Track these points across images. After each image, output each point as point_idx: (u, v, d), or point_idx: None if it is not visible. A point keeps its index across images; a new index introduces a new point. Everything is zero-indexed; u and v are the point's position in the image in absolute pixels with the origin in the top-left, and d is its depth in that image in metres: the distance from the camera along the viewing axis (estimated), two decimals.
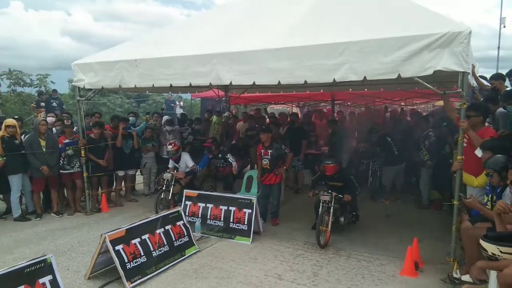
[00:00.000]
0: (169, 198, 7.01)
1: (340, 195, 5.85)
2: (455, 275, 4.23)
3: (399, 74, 4.48)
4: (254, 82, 5.50)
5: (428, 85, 4.56)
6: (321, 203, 5.85)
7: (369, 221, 6.69)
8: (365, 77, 4.68)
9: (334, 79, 4.86)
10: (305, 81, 5.10)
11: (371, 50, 4.59)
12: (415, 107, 15.19)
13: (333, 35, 5.01)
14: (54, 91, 13.18)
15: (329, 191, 5.87)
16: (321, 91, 10.94)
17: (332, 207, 5.77)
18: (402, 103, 14.55)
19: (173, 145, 7.33)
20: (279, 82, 5.29)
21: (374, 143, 8.32)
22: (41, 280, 3.71)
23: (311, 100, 14.51)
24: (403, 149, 8.01)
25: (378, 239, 5.86)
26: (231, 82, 5.68)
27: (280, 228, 6.50)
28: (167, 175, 7.18)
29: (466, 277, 3.96)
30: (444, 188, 7.03)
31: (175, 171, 7.23)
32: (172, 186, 7.05)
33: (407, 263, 4.68)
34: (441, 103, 13.73)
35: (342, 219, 6.03)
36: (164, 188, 7.15)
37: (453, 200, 4.61)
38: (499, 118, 5.26)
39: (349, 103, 14.50)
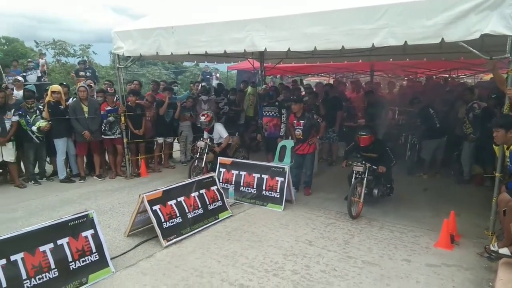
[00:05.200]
0: (203, 166, 7.14)
1: (374, 167, 5.70)
2: (492, 248, 4.10)
3: (442, 39, 4.23)
4: (289, 48, 5.41)
5: (474, 50, 4.27)
6: (354, 174, 5.76)
7: (404, 194, 6.55)
8: (406, 41, 4.49)
9: (372, 44, 4.69)
10: (342, 47, 4.95)
11: (412, 13, 4.38)
12: (461, 80, 14.37)
13: None
14: (86, 61, 13.56)
15: (363, 162, 5.72)
16: (360, 61, 10.57)
17: (365, 178, 5.64)
18: (447, 75, 13.83)
19: (205, 116, 7.34)
20: (315, 48, 5.17)
21: (414, 115, 8.00)
22: (83, 233, 3.95)
23: (348, 71, 14.10)
24: (446, 122, 7.66)
25: (414, 212, 5.74)
26: (265, 48, 5.62)
27: (312, 198, 6.51)
28: (200, 144, 7.30)
29: (504, 250, 3.83)
30: (487, 163, 6.68)
31: (208, 140, 7.31)
32: (205, 155, 7.16)
33: (443, 235, 4.57)
34: (487, 78, 12.99)
35: (375, 191, 5.89)
36: (198, 156, 7.29)
37: (495, 172, 4.40)
38: None
39: (389, 75, 13.94)
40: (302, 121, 6.59)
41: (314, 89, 10.51)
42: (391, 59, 10.17)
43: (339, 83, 11.65)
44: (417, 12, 4.34)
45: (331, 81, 13.69)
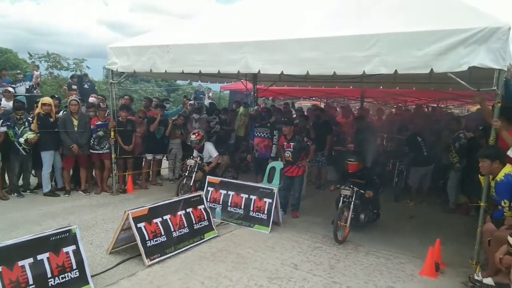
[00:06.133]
0: (191, 184, 7.10)
1: (361, 191, 5.71)
2: (476, 277, 4.10)
3: (432, 69, 4.36)
4: (282, 72, 5.50)
5: (462, 81, 4.40)
6: (341, 198, 5.77)
7: (391, 221, 6.57)
8: (396, 70, 4.59)
9: (364, 71, 4.79)
10: (334, 73, 5.05)
11: (404, 43, 4.51)
12: (449, 111, 14.70)
13: (365, 26, 4.94)
14: (85, 75, 13.64)
15: (351, 185, 5.74)
16: (351, 87, 10.77)
17: (352, 203, 5.64)
18: (435, 105, 14.14)
19: (196, 134, 7.33)
20: (307, 72, 5.26)
21: (403, 142, 8.12)
22: (65, 249, 3.85)
23: (339, 96, 14.32)
24: (433, 150, 7.78)
25: (400, 239, 5.73)
26: (259, 70, 5.70)
27: (299, 221, 6.48)
28: (190, 162, 7.26)
29: (488, 280, 3.84)
30: (473, 193, 6.76)
31: (198, 159, 7.28)
32: (194, 173, 7.13)
33: (428, 263, 4.57)
34: (474, 109, 13.31)
35: (362, 216, 5.88)
36: (187, 174, 7.25)
37: (480, 202, 4.46)
38: None
39: (379, 102, 14.20)
40: (292, 143, 6.63)
41: (305, 113, 10.64)
42: (381, 87, 10.38)
43: (330, 108, 11.83)
44: (408, 43, 4.47)
45: (322, 106, 13.89)
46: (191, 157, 7.46)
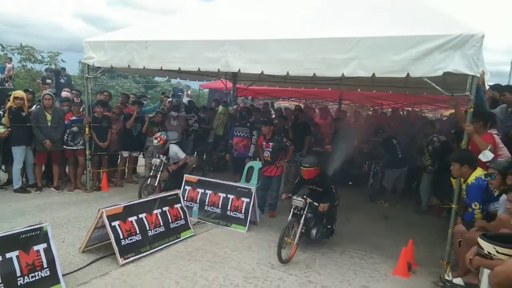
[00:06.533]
0: (155, 184, 6.86)
1: (315, 203, 4.99)
2: (446, 277, 4.23)
3: (408, 74, 4.46)
4: (262, 71, 5.49)
5: (437, 86, 4.52)
6: (292, 209, 5.07)
7: (366, 221, 6.69)
8: (374, 74, 4.67)
9: (343, 73, 4.86)
10: (314, 74, 5.09)
11: (382, 47, 4.59)
12: (423, 115, 15.12)
13: (345, 29, 5.01)
14: (63, 69, 13.31)
15: (305, 196, 5.06)
16: (329, 89, 10.90)
17: (304, 216, 4.95)
18: (410, 109, 14.49)
19: (159, 139, 6.96)
20: (287, 73, 5.29)
21: (378, 144, 8.28)
22: (35, 247, 3.72)
23: (318, 98, 14.49)
24: (408, 153, 7.97)
25: (374, 239, 5.83)
26: (239, 70, 5.68)
27: (276, 221, 6.48)
28: (155, 161, 7.00)
29: (458, 280, 3.96)
30: (445, 195, 6.97)
31: (164, 158, 7.00)
32: (159, 173, 6.90)
33: (400, 263, 4.67)
34: (447, 113, 13.75)
35: (314, 232, 5.14)
36: (152, 174, 7.01)
37: (452, 204, 4.60)
38: None
39: (356, 104, 14.45)
40: (271, 143, 6.65)
41: (283, 113, 10.70)
42: (359, 89, 10.56)
43: (309, 109, 11.93)
44: (385, 47, 4.57)
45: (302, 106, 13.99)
46: (157, 155, 7.17)
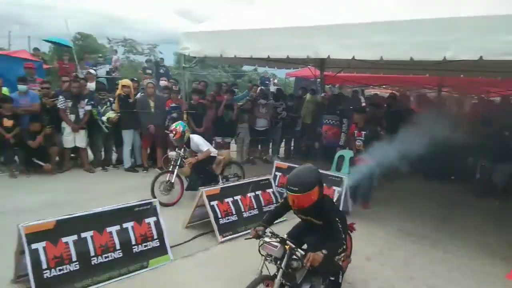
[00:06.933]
0: (172, 181, 5.97)
1: (301, 251, 2.95)
2: None
3: None
4: (354, 57, 5.23)
5: None
6: (263, 258, 2.97)
7: (472, 219, 6.13)
8: (481, 56, 4.14)
9: (444, 57, 4.41)
10: (411, 58, 4.71)
11: (490, 27, 4.05)
12: None
13: (444, 9, 4.53)
14: (161, 59, 14.32)
15: (282, 237, 2.97)
16: (427, 75, 10.10)
17: (282, 268, 2.87)
18: None
19: (174, 132, 6.00)
20: (381, 57, 4.97)
21: (486, 136, 7.47)
22: (147, 220, 4.12)
23: (413, 85, 13.51)
24: None
25: (483, 238, 5.31)
26: (329, 56, 5.51)
27: (371, 212, 6.25)
28: (172, 154, 6.16)
29: None
30: None
31: (182, 151, 6.12)
32: (177, 168, 6.01)
33: None
34: None
35: None
36: (171, 169, 6.06)
37: None
38: None
39: (457, 93, 13.16)
40: (363, 132, 6.41)
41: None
42: (462, 75, 9.60)
43: (404, 97, 11.21)
44: (495, 26, 4.03)
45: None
46: (176, 148, 6.30)
